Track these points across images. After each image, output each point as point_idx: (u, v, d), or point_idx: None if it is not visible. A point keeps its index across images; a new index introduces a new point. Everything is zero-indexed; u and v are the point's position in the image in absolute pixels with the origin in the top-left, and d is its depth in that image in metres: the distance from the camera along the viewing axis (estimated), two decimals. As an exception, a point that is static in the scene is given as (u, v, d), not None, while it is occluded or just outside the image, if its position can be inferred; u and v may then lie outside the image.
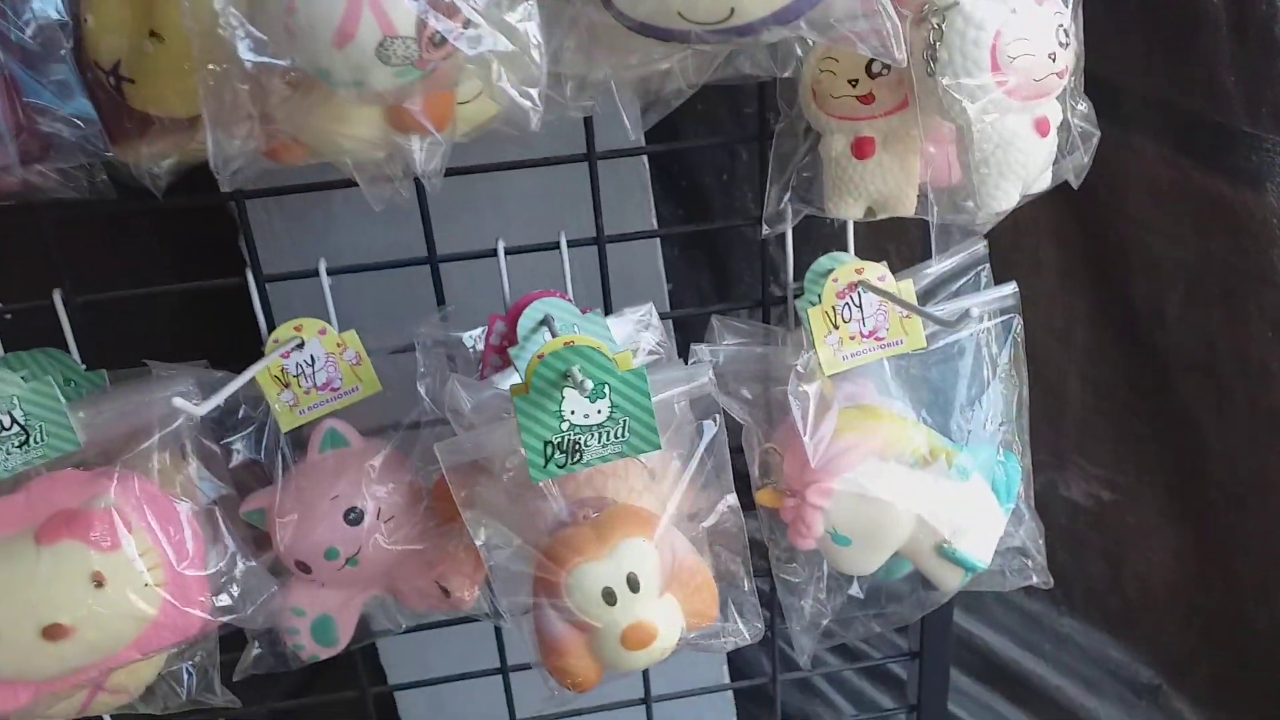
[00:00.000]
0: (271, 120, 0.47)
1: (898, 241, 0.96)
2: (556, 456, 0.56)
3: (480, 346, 0.71)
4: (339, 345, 0.71)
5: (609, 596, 0.57)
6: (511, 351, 0.66)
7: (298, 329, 0.71)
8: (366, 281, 0.76)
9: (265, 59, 0.45)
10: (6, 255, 0.72)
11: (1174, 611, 1.24)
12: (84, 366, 0.71)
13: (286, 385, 0.71)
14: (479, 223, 0.93)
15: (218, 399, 0.60)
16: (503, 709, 0.96)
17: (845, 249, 0.74)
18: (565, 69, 0.52)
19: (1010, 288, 0.74)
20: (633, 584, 0.57)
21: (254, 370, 0.65)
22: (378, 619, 0.76)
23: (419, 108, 0.45)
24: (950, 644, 0.99)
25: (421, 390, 0.69)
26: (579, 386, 0.52)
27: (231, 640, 0.72)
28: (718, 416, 0.61)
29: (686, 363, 0.67)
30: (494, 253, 0.72)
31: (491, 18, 0.42)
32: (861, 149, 0.62)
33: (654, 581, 0.57)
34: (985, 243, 0.73)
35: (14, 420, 0.62)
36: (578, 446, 0.56)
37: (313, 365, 0.71)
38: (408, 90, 0.44)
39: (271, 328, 0.72)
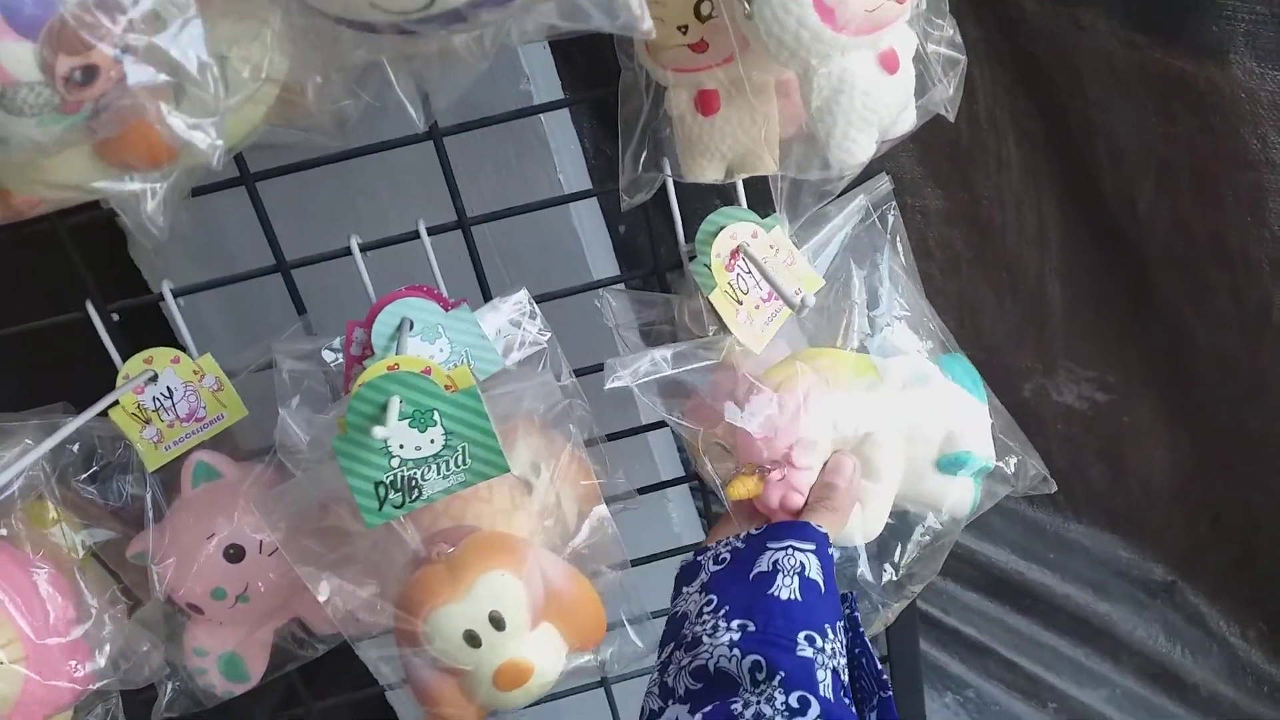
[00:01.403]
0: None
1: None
2: (392, 497, 0.50)
3: (342, 360, 0.65)
4: (196, 372, 0.66)
5: (472, 639, 0.51)
6: (367, 364, 0.60)
7: (148, 361, 0.66)
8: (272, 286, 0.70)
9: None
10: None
11: (1180, 507, 1.20)
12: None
13: (148, 421, 0.66)
14: (379, 212, 0.87)
15: (39, 451, 0.55)
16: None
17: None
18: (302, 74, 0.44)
19: (883, 180, 0.66)
20: (496, 622, 0.51)
21: (89, 414, 0.60)
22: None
23: (123, 147, 0.38)
24: (918, 644, 0.93)
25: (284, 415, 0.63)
26: (384, 424, 0.46)
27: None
28: (571, 428, 0.55)
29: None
30: (348, 252, 0.66)
31: (138, 47, 0.35)
32: (706, 104, 0.54)
33: (522, 615, 0.52)
34: (889, 178, 0.65)
35: None
36: (414, 482, 0.50)
37: (171, 397, 0.66)
38: (73, 137, 0.37)
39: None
